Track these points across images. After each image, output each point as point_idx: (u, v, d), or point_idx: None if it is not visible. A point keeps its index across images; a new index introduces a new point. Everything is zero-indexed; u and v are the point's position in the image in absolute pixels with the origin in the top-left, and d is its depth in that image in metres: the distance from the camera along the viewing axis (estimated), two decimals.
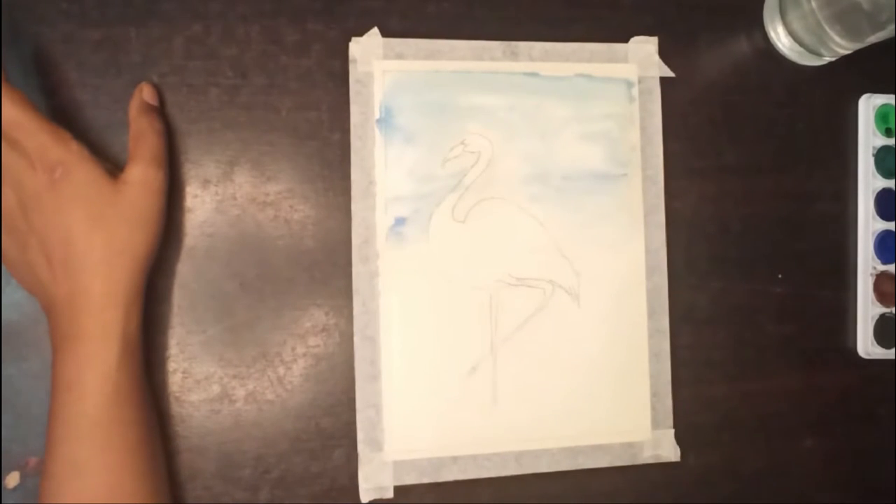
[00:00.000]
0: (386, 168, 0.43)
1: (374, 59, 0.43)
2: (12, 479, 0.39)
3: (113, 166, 0.38)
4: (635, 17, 0.46)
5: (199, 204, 0.42)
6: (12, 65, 0.40)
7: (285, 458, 0.41)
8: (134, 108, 0.39)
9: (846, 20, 0.45)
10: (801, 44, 0.47)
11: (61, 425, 0.35)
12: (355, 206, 0.42)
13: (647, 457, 0.45)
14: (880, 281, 0.48)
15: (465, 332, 0.43)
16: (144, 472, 0.36)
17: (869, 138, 0.49)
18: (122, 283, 0.36)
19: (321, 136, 0.43)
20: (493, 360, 0.43)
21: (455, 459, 0.42)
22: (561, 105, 0.45)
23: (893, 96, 0.49)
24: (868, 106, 0.49)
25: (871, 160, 0.49)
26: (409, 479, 0.42)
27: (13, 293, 0.39)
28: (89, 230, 0.35)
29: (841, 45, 0.46)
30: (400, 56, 0.43)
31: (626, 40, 0.46)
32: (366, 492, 0.42)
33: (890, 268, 0.48)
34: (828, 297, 0.48)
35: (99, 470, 0.34)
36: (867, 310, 0.48)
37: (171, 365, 0.41)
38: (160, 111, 0.40)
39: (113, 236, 0.36)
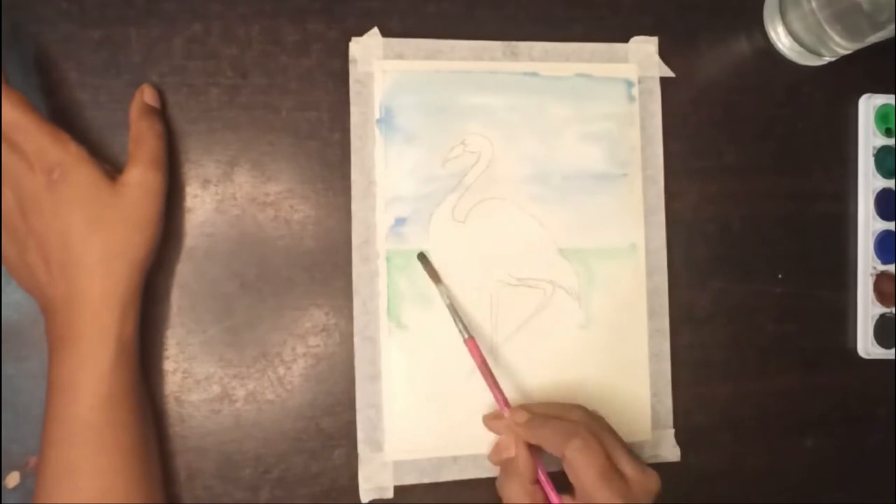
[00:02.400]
0: (386, 168, 0.43)
1: (374, 59, 0.43)
2: (12, 479, 0.39)
3: (112, 168, 0.38)
4: (635, 17, 0.46)
5: (199, 204, 0.42)
6: (12, 65, 0.40)
7: (285, 458, 0.41)
8: (134, 109, 0.39)
9: (846, 20, 0.45)
10: (801, 44, 0.47)
11: (55, 427, 0.35)
12: (355, 206, 0.42)
13: (647, 457, 0.45)
14: (880, 281, 0.48)
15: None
16: (138, 475, 0.36)
17: (869, 138, 0.49)
18: (119, 286, 0.36)
19: (321, 136, 0.43)
20: (494, 361, 0.43)
21: (455, 459, 0.42)
22: (561, 105, 0.45)
23: (893, 96, 0.49)
24: (868, 106, 0.49)
25: (871, 160, 0.49)
26: (409, 479, 0.42)
27: (13, 293, 0.39)
28: (87, 232, 0.35)
29: (841, 45, 0.46)
30: (400, 56, 0.43)
31: (626, 40, 0.46)
32: (366, 492, 0.42)
33: (890, 268, 0.48)
34: (828, 297, 0.48)
35: (91, 472, 0.34)
36: (867, 310, 0.48)
37: (171, 365, 0.41)
38: (161, 113, 0.40)
39: (110, 238, 0.36)
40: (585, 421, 0.38)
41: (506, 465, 0.39)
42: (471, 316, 0.43)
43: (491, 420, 0.41)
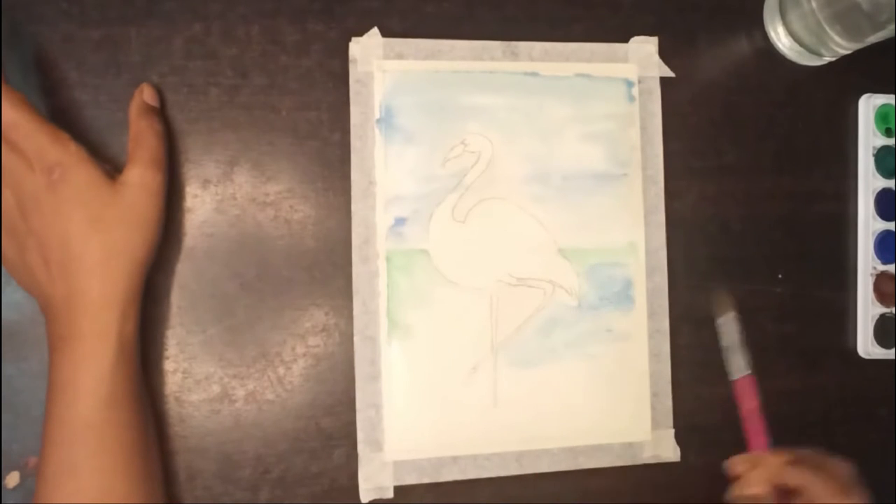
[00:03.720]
0: (386, 168, 0.43)
1: (374, 59, 0.43)
2: (12, 479, 0.39)
3: (112, 167, 0.38)
4: (635, 17, 0.46)
5: (199, 204, 0.42)
6: (12, 65, 0.40)
7: (285, 458, 0.41)
8: (134, 109, 0.39)
9: (846, 20, 0.45)
10: (801, 44, 0.47)
11: (56, 427, 0.35)
12: (355, 206, 0.42)
13: (647, 457, 0.45)
14: (880, 281, 0.48)
15: (465, 332, 0.43)
16: (138, 475, 0.36)
17: (869, 138, 0.49)
18: (119, 285, 0.36)
19: (321, 136, 0.43)
20: (494, 360, 0.43)
21: (455, 459, 0.42)
22: (561, 105, 0.45)
23: (893, 96, 0.49)
24: (868, 106, 0.49)
25: (871, 160, 0.49)
26: (409, 479, 0.42)
27: (13, 293, 0.39)
28: (87, 232, 0.35)
29: (841, 45, 0.46)
30: (400, 56, 0.43)
31: (626, 40, 0.46)
32: (366, 492, 0.42)
33: (890, 268, 0.48)
34: (828, 297, 0.48)
35: (92, 472, 0.34)
36: (867, 310, 0.48)
37: (171, 365, 0.41)
38: (160, 112, 0.40)
39: (110, 238, 0.36)
40: (856, 481, 0.39)
41: (746, 499, 0.40)
42: (471, 316, 0.43)
43: (740, 463, 0.42)
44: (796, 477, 0.39)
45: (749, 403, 0.39)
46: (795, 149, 0.48)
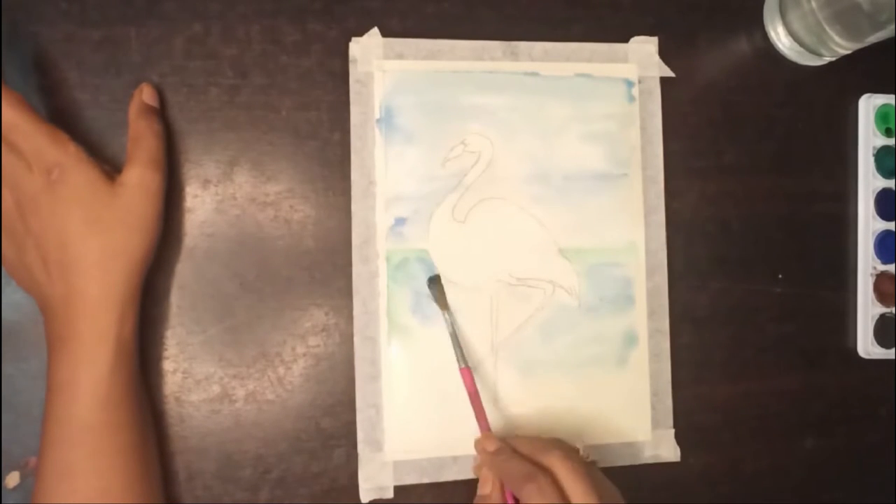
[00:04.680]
0: (386, 168, 0.43)
1: (374, 59, 0.43)
2: (12, 479, 0.39)
3: (111, 168, 0.38)
4: (635, 17, 0.46)
5: (199, 204, 0.42)
6: (11, 65, 0.40)
7: (285, 458, 0.41)
8: (133, 109, 0.39)
9: (846, 20, 0.45)
10: (801, 44, 0.47)
11: (54, 427, 0.35)
12: (355, 206, 0.42)
13: (647, 457, 0.45)
14: (880, 281, 0.48)
15: (465, 332, 0.43)
16: (136, 476, 0.36)
17: (869, 138, 0.49)
18: (118, 286, 0.36)
19: (321, 136, 0.43)
20: (494, 360, 0.43)
21: (455, 459, 0.42)
22: (561, 105, 0.45)
23: (893, 96, 0.49)
24: (868, 106, 0.49)
25: (871, 160, 0.49)
26: (409, 479, 0.42)
27: (13, 293, 0.39)
28: (85, 232, 0.35)
29: (841, 45, 0.46)
30: (400, 56, 0.43)
31: (626, 40, 0.46)
32: (366, 492, 0.42)
33: (890, 268, 0.48)
34: (828, 297, 0.48)
35: (89, 473, 0.34)
36: (867, 310, 0.48)
37: (171, 365, 0.41)
38: (160, 113, 0.40)
39: (109, 239, 0.36)
40: (555, 463, 0.35)
41: (482, 500, 0.38)
42: (471, 316, 0.43)
43: (476, 467, 0.40)
44: (496, 469, 0.37)
45: (469, 389, 0.40)
46: (795, 149, 0.48)
